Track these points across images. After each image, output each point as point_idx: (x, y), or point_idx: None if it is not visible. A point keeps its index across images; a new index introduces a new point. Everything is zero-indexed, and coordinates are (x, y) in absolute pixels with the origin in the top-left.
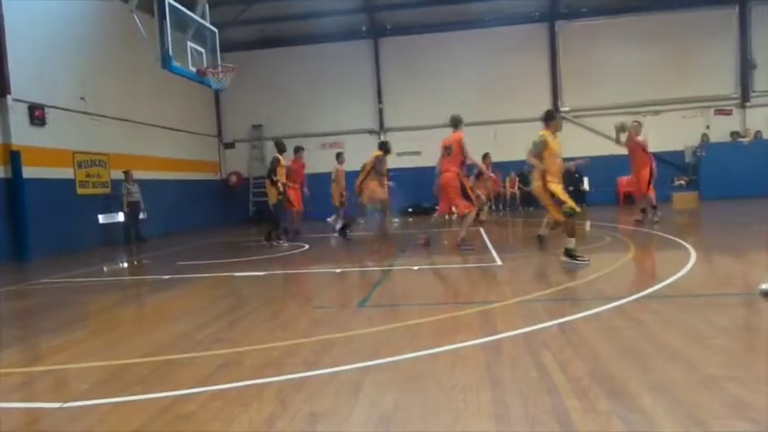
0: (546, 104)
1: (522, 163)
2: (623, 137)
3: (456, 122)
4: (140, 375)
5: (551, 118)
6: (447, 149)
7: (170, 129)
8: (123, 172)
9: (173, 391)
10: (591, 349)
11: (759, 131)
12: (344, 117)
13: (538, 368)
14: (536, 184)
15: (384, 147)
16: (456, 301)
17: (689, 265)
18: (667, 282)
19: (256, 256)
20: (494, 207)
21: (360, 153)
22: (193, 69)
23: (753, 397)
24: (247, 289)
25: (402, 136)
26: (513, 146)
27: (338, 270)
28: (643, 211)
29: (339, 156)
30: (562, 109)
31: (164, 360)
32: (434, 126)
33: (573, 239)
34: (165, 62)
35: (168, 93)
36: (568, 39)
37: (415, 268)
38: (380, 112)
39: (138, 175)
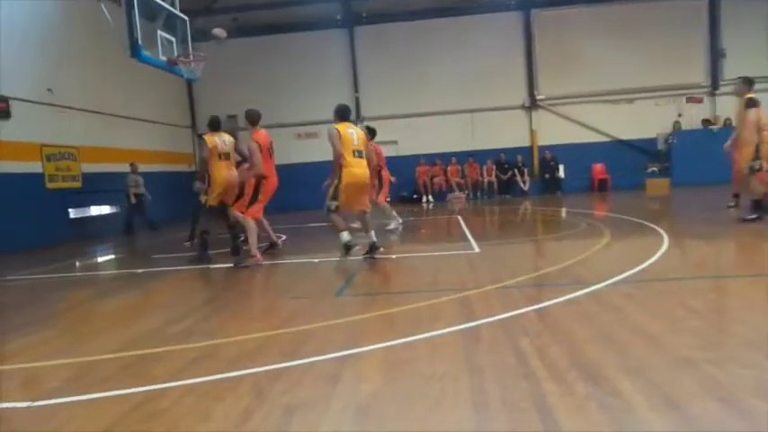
0: (522, 93)
1: (499, 151)
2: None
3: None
4: (111, 372)
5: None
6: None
7: (141, 120)
8: (129, 164)
9: (145, 386)
10: (568, 334)
11: (728, 119)
12: (320, 106)
13: (516, 354)
14: None
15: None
16: (434, 288)
17: (662, 250)
18: (641, 267)
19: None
20: (471, 195)
21: None
22: (164, 59)
23: (726, 377)
24: (223, 281)
25: (379, 125)
26: (490, 134)
27: (316, 260)
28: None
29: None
30: (538, 97)
31: (136, 355)
32: (412, 115)
33: None
34: (135, 52)
35: (139, 83)
36: (544, 27)
37: (393, 257)
38: (357, 100)
39: (109, 168)
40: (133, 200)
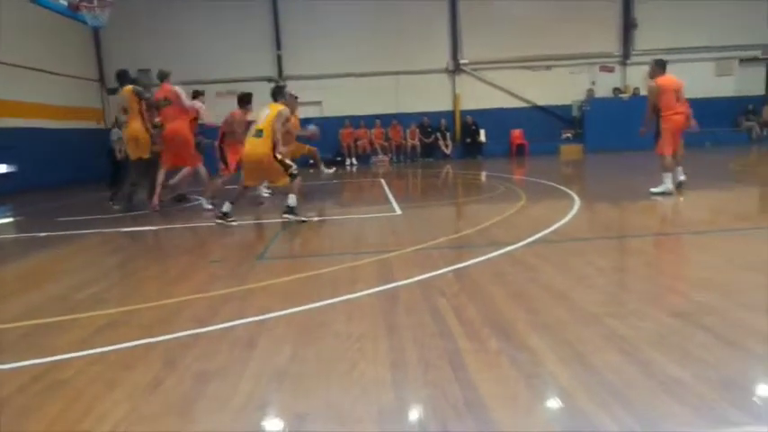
0: (446, 56)
1: (422, 114)
2: None
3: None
4: (8, 342)
5: None
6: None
7: (42, 71)
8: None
9: (47, 357)
10: (483, 293)
11: (637, 88)
12: (241, 63)
13: (433, 314)
14: None
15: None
16: (355, 251)
17: (573, 212)
18: (554, 228)
19: (148, 210)
20: (395, 158)
21: (258, 102)
22: (64, 3)
23: (627, 331)
24: (136, 245)
25: (302, 85)
26: (414, 97)
27: (235, 223)
28: None
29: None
30: (462, 61)
31: (37, 324)
32: (336, 75)
33: None
34: None
35: (38, 30)
36: None
37: (315, 219)
38: (279, 59)
39: (6, 122)
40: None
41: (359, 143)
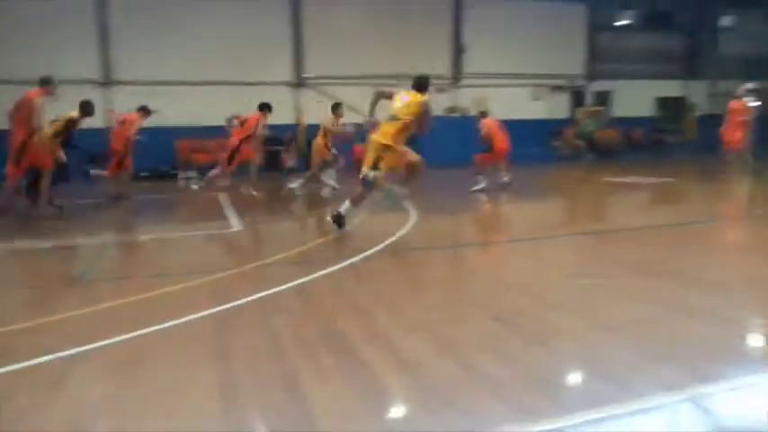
0: (289, 69)
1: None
2: None
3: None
4: None
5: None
6: None
7: None
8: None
9: None
10: (320, 309)
11: (467, 108)
12: (59, 62)
13: (269, 334)
14: None
15: None
16: (188, 271)
17: (410, 224)
18: (391, 240)
19: None
20: (236, 171)
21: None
22: None
23: (455, 335)
24: None
25: (135, 91)
26: (254, 109)
27: (49, 245)
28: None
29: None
30: (305, 75)
31: None
32: (174, 82)
33: None
34: None
35: None
36: (312, 3)
37: (144, 237)
38: (107, 59)
39: None
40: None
41: (197, 155)
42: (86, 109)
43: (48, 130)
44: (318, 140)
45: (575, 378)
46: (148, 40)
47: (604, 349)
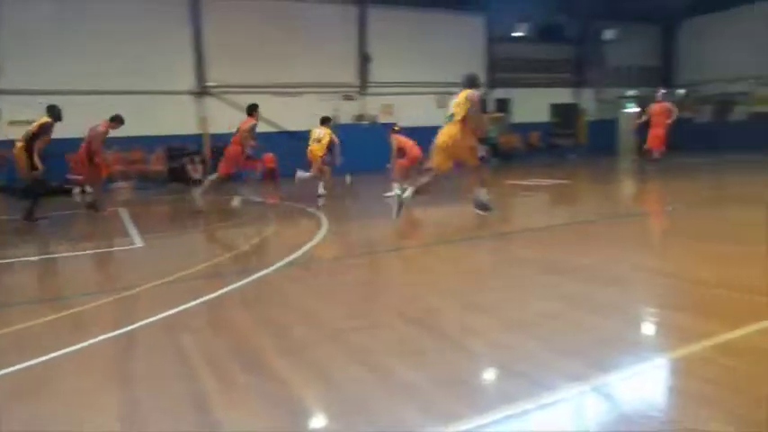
0: (191, 78)
1: (169, 138)
2: None
3: None
4: None
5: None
6: None
7: None
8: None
9: None
10: (232, 325)
11: (375, 116)
12: None
13: (176, 354)
14: None
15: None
16: (87, 291)
17: (322, 233)
18: (304, 249)
19: None
20: (138, 184)
21: None
22: None
23: (369, 342)
24: None
25: (24, 101)
26: (159, 119)
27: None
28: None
29: None
30: (208, 83)
31: None
32: (68, 92)
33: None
34: None
35: None
36: (213, 12)
37: (34, 258)
38: None
39: None
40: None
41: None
42: (54, 113)
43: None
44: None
45: (487, 377)
46: (36, 46)
47: (515, 346)
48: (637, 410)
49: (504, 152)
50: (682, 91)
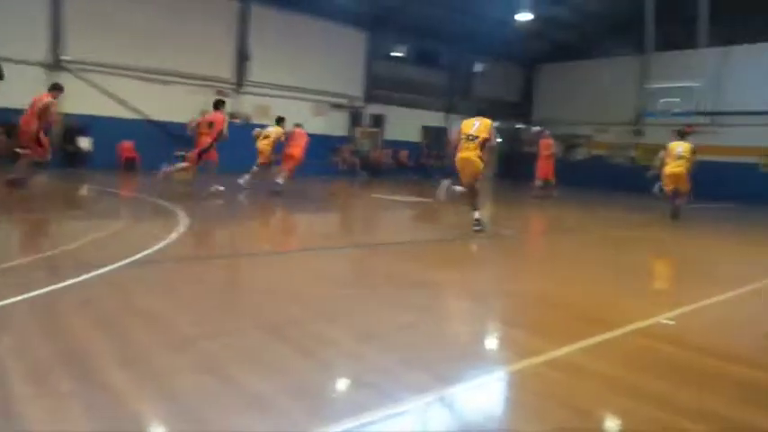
0: (44, 48)
1: (8, 112)
2: None
3: None
4: None
5: None
6: None
7: None
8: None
9: None
10: (63, 326)
11: (249, 115)
12: None
13: None
14: None
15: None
16: None
17: (180, 231)
18: (157, 247)
19: None
20: None
21: None
22: None
23: (219, 351)
24: None
25: None
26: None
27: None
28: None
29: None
30: (64, 57)
31: None
32: None
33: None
34: None
35: None
36: None
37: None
38: None
39: None
40: None
41: None
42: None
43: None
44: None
45: (337, 387)
46: None
47: (366, 357)
48: (475, 421)
49: (374, 166)
50: (537, 128)
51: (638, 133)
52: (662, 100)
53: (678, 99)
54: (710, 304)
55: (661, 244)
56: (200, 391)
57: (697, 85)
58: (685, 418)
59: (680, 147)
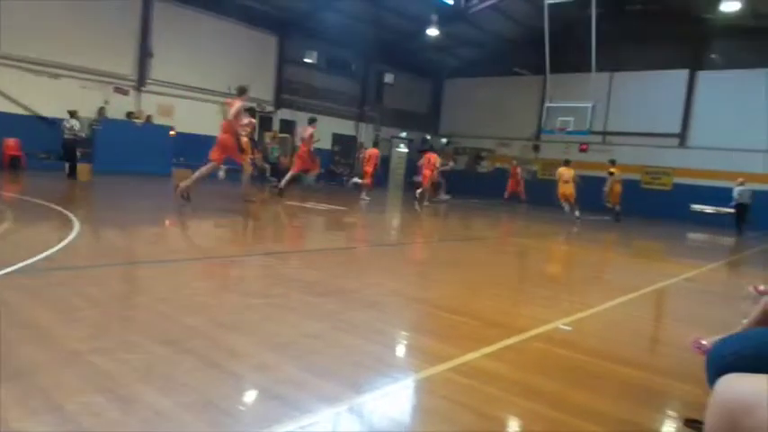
0: None
1: None
2: None
3: None
4: None
5: None
6: None
7: None
8: None
9: None
10: None
11: (150, 115)
12: None
13: None
14: None
15: None
16: None
17: (71, 237)
18: (44, 254)
19: None
20: None
21: None
22: None
23: (113, 366)
24: None
25: None
26: None
27: None
28: None
29: None
30: None
31: None
32: None
33: None
34: None
35: None
36: None
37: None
38: None
39: None
40: None
41: None
42: None
43: None
44: None
45: (245, 399)
46: None
47: (273, 367)
48: (385, 429)
49: (284, 172)
50: (444, 140)
51: (536, 149)
52: (559, 118)
53: (572, 118)
54: (603, 310)
55: (559, 253)
56: (93, 410)
57: (589, 105)
58: (577, 418)
59: (567, 173)
